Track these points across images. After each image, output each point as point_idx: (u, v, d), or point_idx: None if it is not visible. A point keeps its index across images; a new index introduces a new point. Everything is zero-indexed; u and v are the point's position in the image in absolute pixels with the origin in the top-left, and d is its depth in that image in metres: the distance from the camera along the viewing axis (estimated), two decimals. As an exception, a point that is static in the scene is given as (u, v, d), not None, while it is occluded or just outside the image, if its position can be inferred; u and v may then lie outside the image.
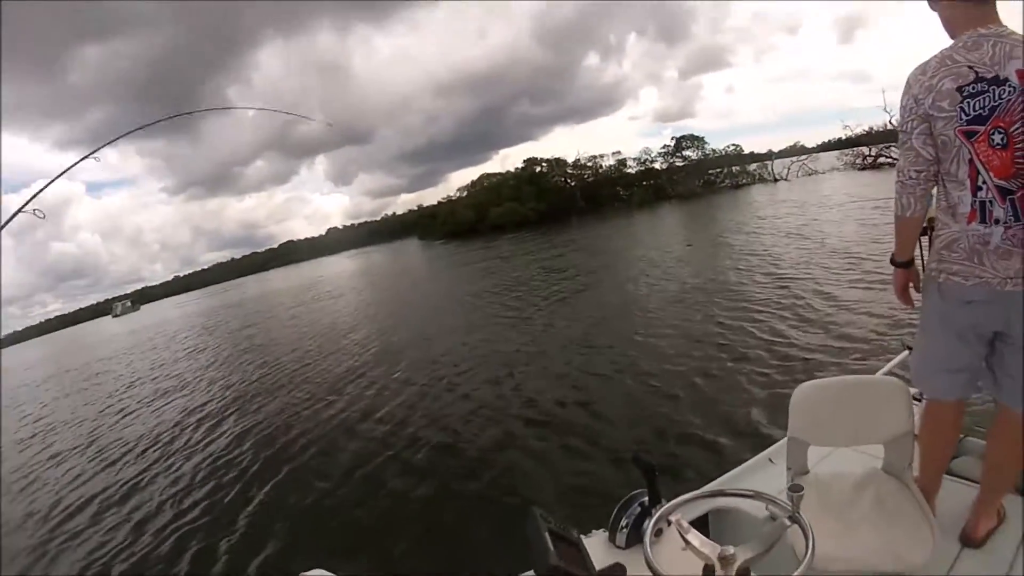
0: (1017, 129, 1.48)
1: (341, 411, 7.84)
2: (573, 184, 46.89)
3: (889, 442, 1.84)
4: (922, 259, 1.93)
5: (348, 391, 8.78)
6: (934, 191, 1.70)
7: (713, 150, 44.14)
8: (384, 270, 31.61)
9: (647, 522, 1.32)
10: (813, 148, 48.49)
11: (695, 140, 44.69)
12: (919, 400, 2.13)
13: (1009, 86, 1.47)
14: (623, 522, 1.74)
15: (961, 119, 1.52)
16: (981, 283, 1.59)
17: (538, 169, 48.82)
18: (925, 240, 1.90)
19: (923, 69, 1.59)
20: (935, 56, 1.58)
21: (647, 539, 1.23)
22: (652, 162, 45.59)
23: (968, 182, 1.56)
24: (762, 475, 2.26)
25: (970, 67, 1.50)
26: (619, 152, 47.04)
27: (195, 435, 8.64)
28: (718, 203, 31.43)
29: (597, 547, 1.73)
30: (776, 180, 39.65)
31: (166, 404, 11.49)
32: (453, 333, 11.17)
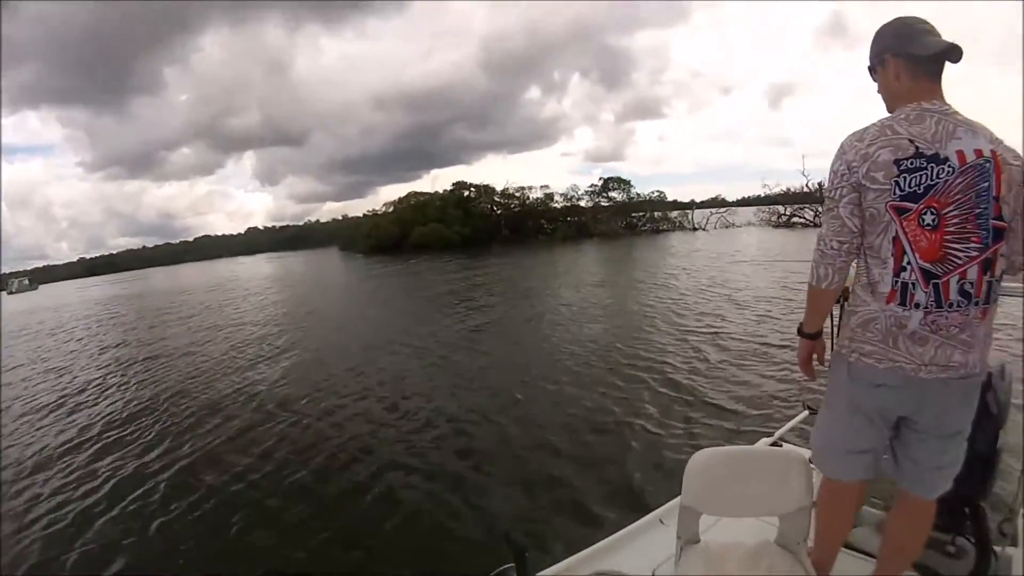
0: (950, 212, 1.42)
1: (208, 438, 6.93)
2: (499, 212, 46.60)
3: (785, 515, 1.79)
4: (831, 330, 1.90)
5: (222, 413, 7.82)
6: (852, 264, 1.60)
7: (638, 194, 45.17)
8: (300, 278, 29.72)
9: None
10: (732, 202, 50.93)
11: (622, 183, 45.66)
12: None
13: (948, 166, 1.41)
14: None
15: (894, 194, 1.44)
16: (894, 367, 1.52)
17: (466, 193, 48.14)
18: (835, 309, 1.83)
19: (860, 136, 1.51)
20: (873, 124, 1.51)
21: None
22: (579, 199, 46.09)
23: (892, 260, 1.49)
24: (651, 537, 2.21)
25: (910, 140, 1.44)
26: (547, 186, 46.97)
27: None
28: (638, 245, 32.52)
29: None
30: (695, 229, 41.33)
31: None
32: (348, 355, 10.51)
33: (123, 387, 10.16)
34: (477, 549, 3.88)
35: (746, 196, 49.05)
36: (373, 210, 53.70)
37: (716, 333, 9.47)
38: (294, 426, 6.82)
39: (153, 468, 6.01)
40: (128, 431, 7.42)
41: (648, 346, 9.06)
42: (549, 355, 9.22)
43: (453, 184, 49.80)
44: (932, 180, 1.42)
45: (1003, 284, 1.57)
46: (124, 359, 12.97)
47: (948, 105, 1.48)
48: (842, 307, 1.76)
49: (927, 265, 1.45)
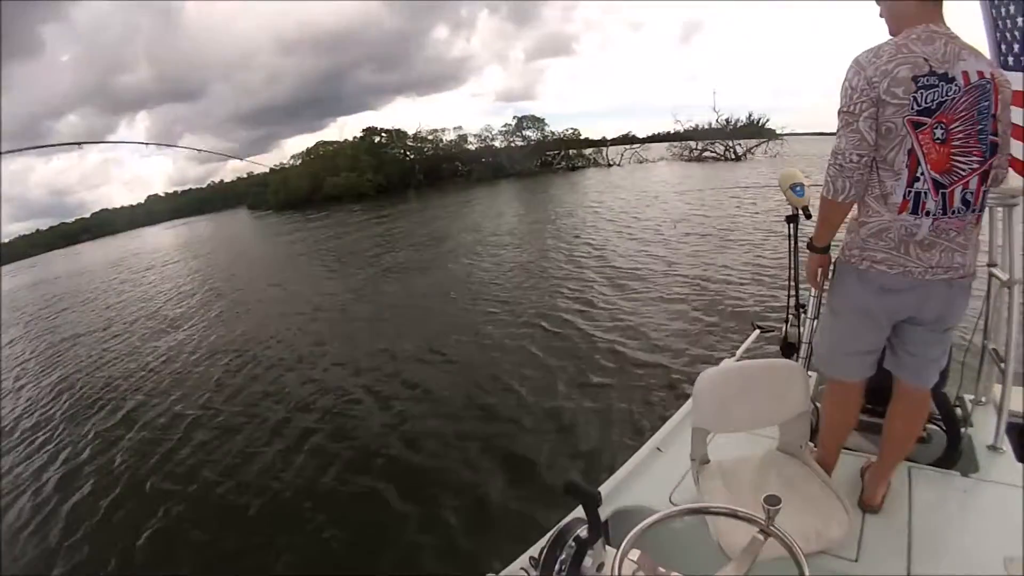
0: (956, 127, 1.52)
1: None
2: (412, 157, 45.00)
3: (786, 423, 1.94)
4: (790, 245, 2.34)
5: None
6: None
7: (552, 132, 44.71)
8: (207, 246, 26.40)
9: (590, 560, 1.14)
10: (644, 138, 51.14)
11: (536, 121, 44.97)
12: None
13: (955, 85, 1.51)
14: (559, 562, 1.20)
15: (912, 108, 1.53)
16: (904, 272, 1.64)
17: (377, 139, 45.93)
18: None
19: (876, 53, 1.58)
20: (887, 43, 1.59)
21: None
22: (492, 140, 45.00)
23: (906, 172, 1.58)
24: (656, 468, 2.23)
25: (925, 59, 1.52)
26: (460, 127, 45.54)
27: None
28: (555, 183, 32.43)
29: None
30: (610, 165, 41.68)
31: None
32: (255, 317, 10.07)
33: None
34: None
35: (657, 132, 49.39)
36: (281, 164, 49.84)
37: (637, 270, 9.52)
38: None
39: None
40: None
41: (580, 281, 9.17)
42: (476, 291, 9.27)
43: (363, 130, 47.21)
44: (943, 97, 1.51)
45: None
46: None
47: (950, 29, 1.57)
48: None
49: (937, 176, 1.55)
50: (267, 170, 47.07)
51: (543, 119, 45.23)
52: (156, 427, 5.90)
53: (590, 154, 43.77)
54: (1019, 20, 2.05)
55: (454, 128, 45.40)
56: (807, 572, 0.94)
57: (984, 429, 2.28)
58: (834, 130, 1.67)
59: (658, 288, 8.21)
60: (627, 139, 50.79)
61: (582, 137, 46.26)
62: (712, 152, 37.36)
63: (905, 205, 1.59)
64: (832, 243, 1.84)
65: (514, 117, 46.64)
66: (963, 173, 1.56)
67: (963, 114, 1.52)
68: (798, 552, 0.98)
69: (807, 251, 1.92)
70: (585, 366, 5.68)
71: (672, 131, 42.97)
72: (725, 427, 1.95)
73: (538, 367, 5.82)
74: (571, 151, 43.39)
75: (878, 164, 1.62)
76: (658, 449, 2.33)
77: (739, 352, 3.18)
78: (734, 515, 1.14)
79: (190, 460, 5.03)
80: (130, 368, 8.38)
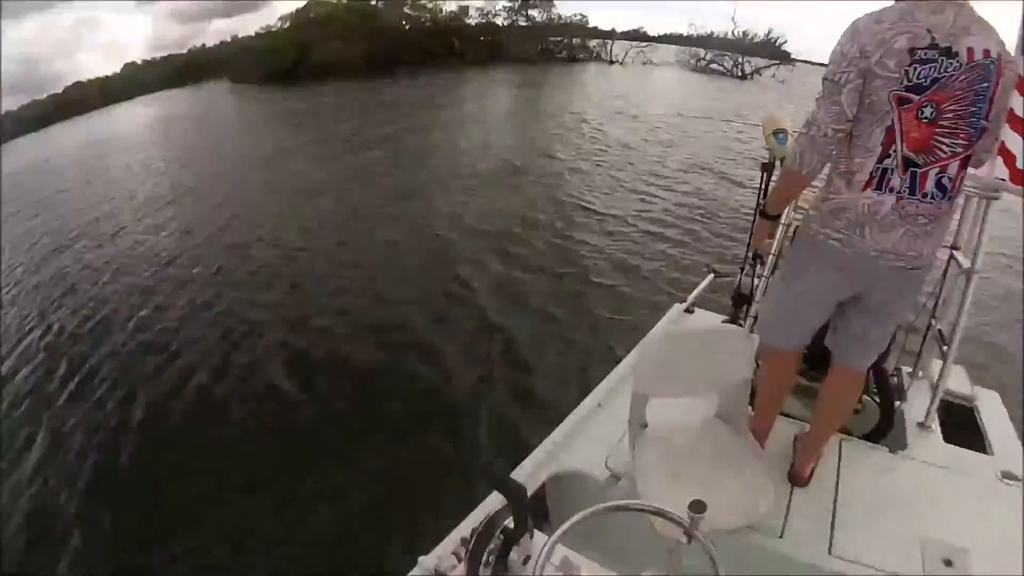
0: (948, 106, 1.45)
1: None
2: (408, 28, 42.07)
3: (727, 389, 1.94)
4: (759, 194, 2.27)
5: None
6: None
7: (560, 15, 41.68)
8: (180, 131, 22.25)
9: (516, 554, 1.19)
10: (655, 37, 48.50)
11: (543, 1, 42.05)
12: None
13: (957, 61, 1.42)
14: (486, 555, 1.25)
15: (901, 83, 1.45)
16: (857, 252, 1.61)
17: (373, 2, 42.76)
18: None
19: (878, 18, 1.47)
20: (892, 7, 1.49)
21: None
22: (495, 16, 41.99)
23: (879, 149, 1.51)
24: (595, 426, 2.23)
25: (928, 30, 1.42)
26: (462, -2, 42.29)
27: None
28: (554, 72, 31.84)
29: None
30: (612, 62, 39.70)
31: None
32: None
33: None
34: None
35: (669, 33, 46.94)
36: (268, 26, 45.63)
37: (605, 212, 9.45)
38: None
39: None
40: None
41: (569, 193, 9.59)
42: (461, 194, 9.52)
43: None
44: (940, 73, 1.42)
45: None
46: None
47: None
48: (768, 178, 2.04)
49: (910, 154, 1.49)
50: (253, 34, 43.42)
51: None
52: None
53: (594, 46, 41.42)
54: None
55: (455, -2, 42.01)
56: (722, 573, 0.97)
57: (917, 405, 2.36)
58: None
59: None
60: (637, 35, 48.07)
61: (590, 26, 43.53)
62: (720, 65, 35.70)
63: (870, 182, 1.54)
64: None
65: (523, -8, 43.27)
66: (943, 155, 1.49)
67: (958, 94, 1.44)
68: (716, 558, 1.00)
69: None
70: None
71: (684, 34, 40.92)
72: (664, 392, 1.91)
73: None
74: (575, 40, 40.93)
75: (852, 139, 1.55)
76: (599, 405, 2.33)
77: (692, 296, 3.21)
78: (660, 514, 1.15)
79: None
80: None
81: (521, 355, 4.99)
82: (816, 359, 2.08)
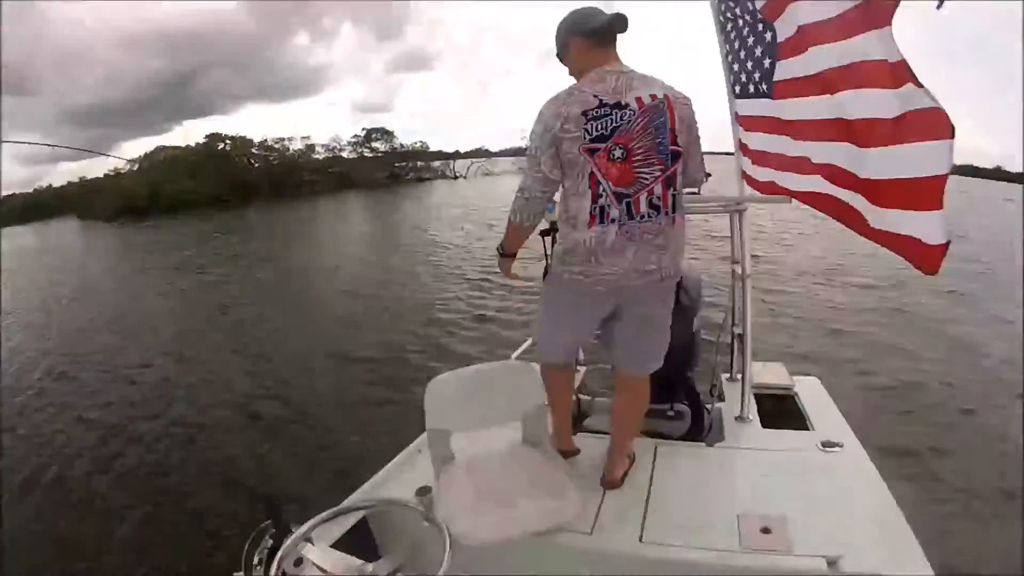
0: (636, 144, 1.70)
1: None
2: (257, 166, 43.31)
3: (526, 416, 1.99)
4: (546, 256, 2.19)
5: None
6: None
7: (402, 144, 45.71)
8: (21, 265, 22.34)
9: (280, 555, 1.23)
10: (496, 152, 53.76)
11: (385, 133, 45.70)
12: None
13: (629, 110, 1.69)
14: (256, 559, 1.44)
15: (584, 138, 1.69)
16: (599, 279, 1.79)
17: (221, 146, 43.50)
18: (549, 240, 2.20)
19: (554, 99, 1.76)
20: (564, 90, 1.77)
21: (282, 570, 1.17)
22: (341, 150, 45.08)
23: (589, 192, 1.73)
24: (412, 468, 2.27)
25: (595, 96, 1.70)
26: (308, 136, 44.75)
27: None
28: (403, 193, 33.38)
29: None
30: (456, 177, 43.90)
31: None
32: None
33: None
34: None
35: (508, 148, 51.84)
36: (116, 169, 44.73)
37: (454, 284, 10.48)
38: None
39: None
40: None
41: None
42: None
43: (206, 136, 44.34)
44: (617, 123, 1.68)
45: (696, 202, 2.13)
46: None
47: (625, 66, 1.77)
48: (553, 238, 2.07)
49: (619, 189, 1.71)
50: (102, 175, 42.56)
51: (392, 131, 46.13)
52: None
53: (438, 166, 45.46)
54: (742, 54, 2.37)
55: (302, 137, 44.62)
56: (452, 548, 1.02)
57: (735, 403, 2.48)
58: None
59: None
60: (481, 153, 52.88)
61: (432, 150, 47.63)
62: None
63: (593, 220, 1.74)
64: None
65: (363, 128, 46.67)
66: (647, 182, 1.72)
67: (640, 132, 1.69)
68: (446, 536, 1.06)
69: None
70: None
71: (520, 146, 45.31)
72: (462, 425, 1.95)
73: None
74: (419, 163, 44.70)
75: (567, 192, 1.78)
76: (419, 451, 2.36)
77: (516, 354, 3.11)
78: (388, 505, 1.22)
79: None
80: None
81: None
82: (663, 384, 2.26)
